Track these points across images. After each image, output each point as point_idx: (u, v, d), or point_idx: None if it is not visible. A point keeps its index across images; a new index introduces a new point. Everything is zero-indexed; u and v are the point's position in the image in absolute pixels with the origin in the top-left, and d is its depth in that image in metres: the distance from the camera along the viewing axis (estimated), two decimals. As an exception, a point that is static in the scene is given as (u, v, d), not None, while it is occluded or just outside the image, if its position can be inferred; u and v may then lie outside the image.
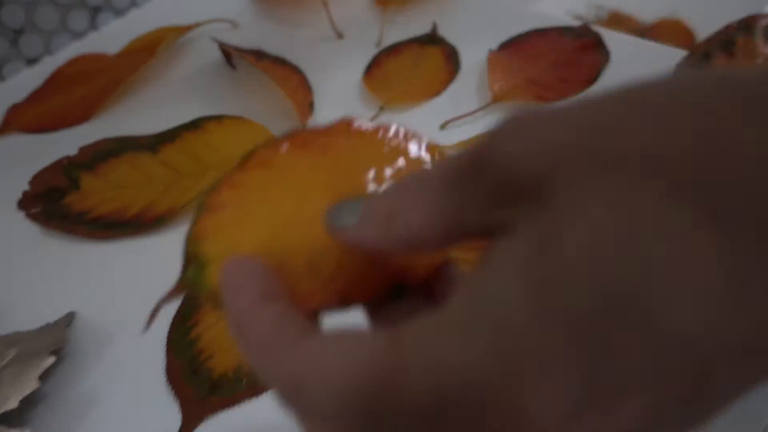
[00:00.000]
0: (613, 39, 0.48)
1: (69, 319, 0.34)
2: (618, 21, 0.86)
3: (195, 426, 0.30)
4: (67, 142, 0.45)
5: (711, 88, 0.13)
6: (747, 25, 0.45)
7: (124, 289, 0.36)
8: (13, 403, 0.29)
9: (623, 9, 0.87)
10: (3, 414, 0.29)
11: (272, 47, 0.51)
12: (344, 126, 0.20)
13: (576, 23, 0.50)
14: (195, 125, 0.43)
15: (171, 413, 0.30)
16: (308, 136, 0.20)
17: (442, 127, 0.43)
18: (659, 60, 0.45)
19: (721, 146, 0.12)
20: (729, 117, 0.12)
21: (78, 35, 0.56)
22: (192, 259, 0.19)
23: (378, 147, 0.20)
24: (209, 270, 0.18)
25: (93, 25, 0.56)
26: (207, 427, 0.30)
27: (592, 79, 0.44)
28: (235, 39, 0.53)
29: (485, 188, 0.14)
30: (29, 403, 0.30)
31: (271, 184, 0.19)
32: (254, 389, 0.31)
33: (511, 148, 0.14)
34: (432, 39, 0.51)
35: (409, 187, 0.16)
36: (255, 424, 0.30)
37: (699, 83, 0.13)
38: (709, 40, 0.45)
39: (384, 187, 0.19)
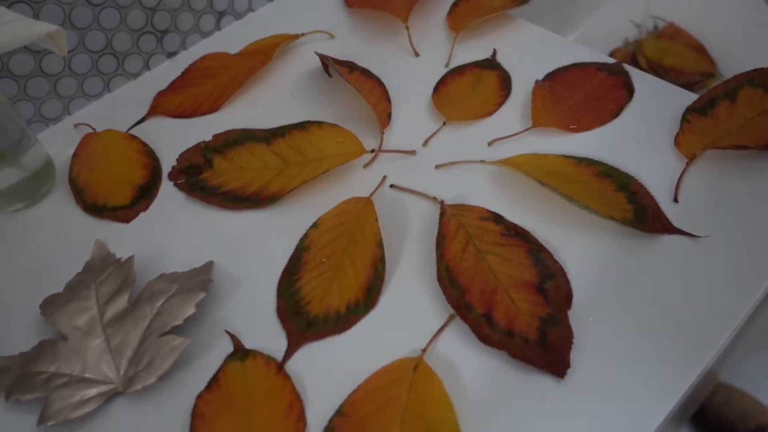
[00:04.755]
0: (639, 78, 0.58)
1: (210, 266, 0.49)
2: (673, 34, 0.93)
3: (295, 350, 0.44)
4: (201, 128, 0.59)
5: None
6: (752, 78, 0.54)
7: (246, 247, 0.50)
8: (179, 321, 0.44)
9: (679, 23, 0.93)
10: (173, 327, 0.43)
11: (361, 59, 0.63)
12: None
13: (611, 61, 0.60)
14: (302, 126, 0.56)
15: (280, 340, 0.44)
16: None
17: (490, 144, 0.55)
18: (674, 100, 0.55)
19: None
20: None
21: (206, 34, 0.69)
22: None
23: None
24: None
25: (218, 26, 0.70)
26: (304, 351, 0.44)
27: (614, 113, 0.55)
28: (333, 49, 0.65)
29: None
30: (189, 322, 0.45)
31: None
32: (337, 328, 0.44)
33: None
34: (491, 64, 0.62)
35: None
36: (336, 352, 0.43)
37: None
38: (716, 88, 0.54)
39: None
